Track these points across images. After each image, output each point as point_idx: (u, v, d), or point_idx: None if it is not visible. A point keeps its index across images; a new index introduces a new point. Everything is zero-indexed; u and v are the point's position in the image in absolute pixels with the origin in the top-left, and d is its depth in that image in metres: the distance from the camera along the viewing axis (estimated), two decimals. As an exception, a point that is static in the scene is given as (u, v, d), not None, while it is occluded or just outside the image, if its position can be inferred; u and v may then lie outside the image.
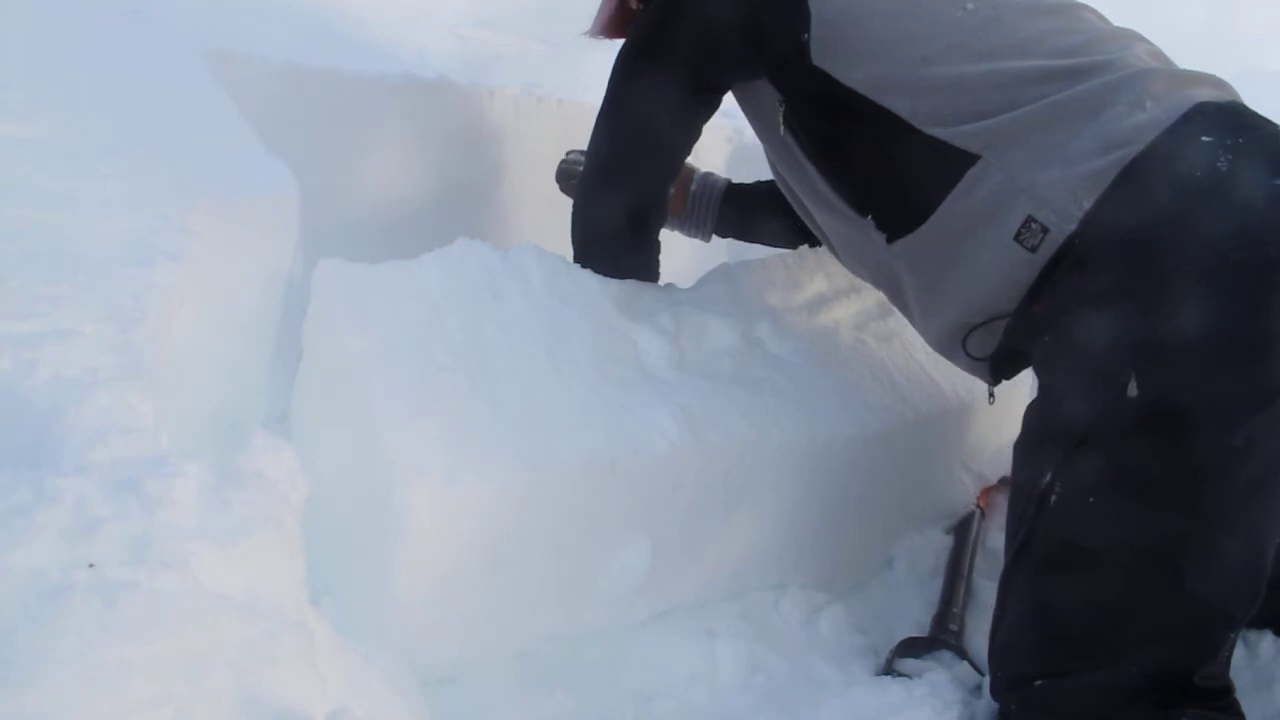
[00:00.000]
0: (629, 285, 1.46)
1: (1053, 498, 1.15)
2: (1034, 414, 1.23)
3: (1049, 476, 1.15)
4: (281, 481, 0.94)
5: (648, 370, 1.37)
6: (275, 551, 0.89)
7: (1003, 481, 1.80)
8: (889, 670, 1.38)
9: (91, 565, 0.77)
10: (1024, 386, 1.72)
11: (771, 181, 1.63)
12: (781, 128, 1.40)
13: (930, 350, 1.65)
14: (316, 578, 1.04)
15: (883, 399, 1.53)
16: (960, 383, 1.64)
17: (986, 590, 1.56)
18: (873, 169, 1.35)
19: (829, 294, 1.63)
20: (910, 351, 1.63)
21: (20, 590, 0.74)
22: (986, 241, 1.21)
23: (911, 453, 1.57)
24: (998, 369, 1.36)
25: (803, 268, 1.64)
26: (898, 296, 1.42)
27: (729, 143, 2.41)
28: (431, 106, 2.05)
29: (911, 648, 1.41)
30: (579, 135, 2.26)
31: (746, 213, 1.78)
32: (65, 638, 0.72)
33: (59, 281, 1.10)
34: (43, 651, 0.71)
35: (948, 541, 1.62)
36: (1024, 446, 1.23)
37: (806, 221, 1.52)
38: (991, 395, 1.48)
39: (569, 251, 1.50)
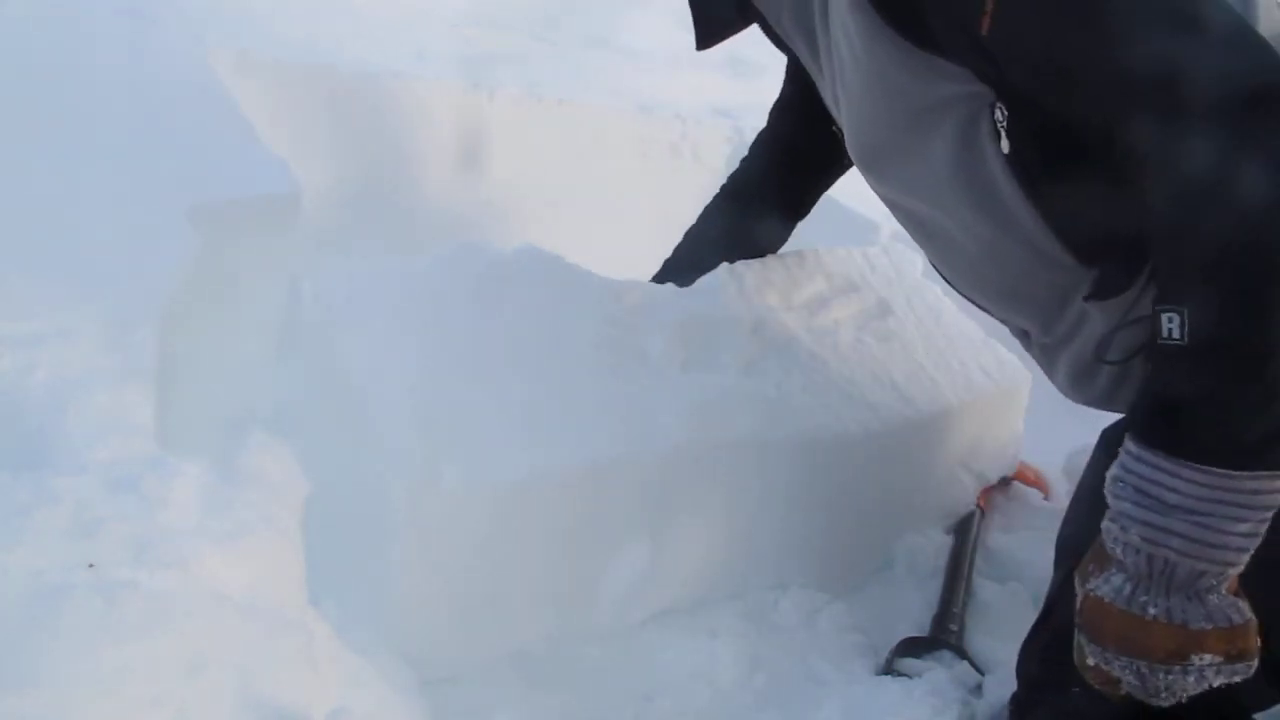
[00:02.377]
0: (629, 285, 1.46)
1: None
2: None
3: None
4: (281, 481, 0.94)
5: (648, 370, 1.36)
6: (275, 551, 0.89)
7: (1003, 481, 1.80)
8: (889, 670, 1.38)
9: (91, 565, 0.77)
10: (1027, 385, 1.72)
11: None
12: (1003, 141, 1.05)
13: (930, 350, 1.65)
14: (316, 578, 1.04)
15: (883, 399, 1.52)
16: (960, 383, 1.64)
17: (986, 590, 1.56)
18: (1119, 211, 1.03)
19: (829, 294, 1.63)
20: (910, 351, 1.63)
21: (20, 590, 0.74)
22: None
23: (911, 453, 1.57)
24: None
25: (803, 268, 1.64)
26: (1052, 336, 1.25)
27: (729, 143, 2.42)
28: (431, 106, 2.05)
29: (911, 647, 1.41)
30: (579, 135, 2.26)
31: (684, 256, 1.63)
32: (65, 638, 0.72)
33: (59, 281, 1.10)
34: (43, 651, 0.71)
35: (948, 541, 1.62)
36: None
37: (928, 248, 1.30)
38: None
39: (569, 252, 1.49)
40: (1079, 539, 1.14)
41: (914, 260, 1.79)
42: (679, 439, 1.30)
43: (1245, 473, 0.83)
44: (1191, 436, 0.86)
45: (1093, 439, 1.63)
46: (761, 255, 1.61)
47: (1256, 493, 0.84)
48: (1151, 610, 0.87)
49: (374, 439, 1.18)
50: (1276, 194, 0.83)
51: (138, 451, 0.93)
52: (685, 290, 1.52)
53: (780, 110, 1.63)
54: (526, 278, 1.37)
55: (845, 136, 1.26)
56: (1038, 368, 1.37)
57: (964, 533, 1.63)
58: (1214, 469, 0.84)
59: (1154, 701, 0.90)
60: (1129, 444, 0.89)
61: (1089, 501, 1.19)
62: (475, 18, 2.61)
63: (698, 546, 1.37)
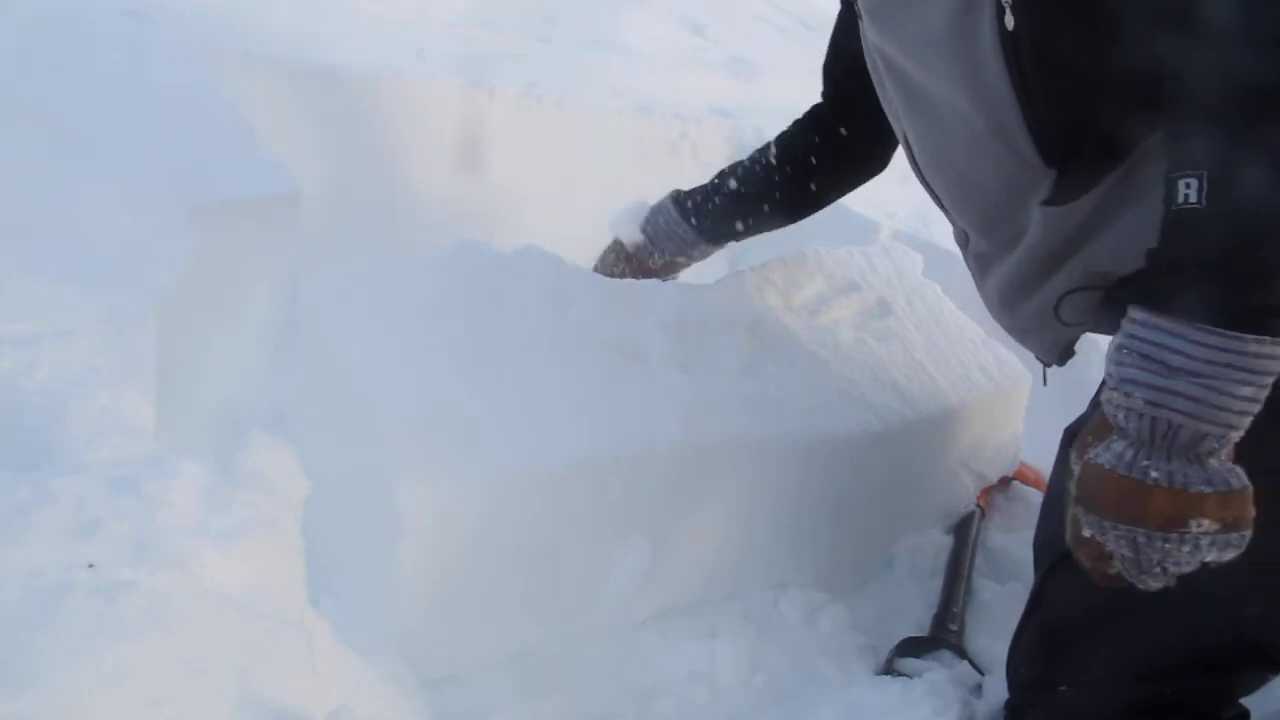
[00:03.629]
0: (630, 285, 1.46)
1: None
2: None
3: None
4: (281, 481, 0.94)
5: (648, 370, 1.37)
6: (275, 551, 0.89)
7: (1003, 481, 1.80)
8: (889, 670, 1.38)
9: (91, 565, 0.77)
10: (1027, 385, 1.72)
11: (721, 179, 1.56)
12: (1007, 17, 1.03)
13: (930, 350, 1.65)
14: (316, 578, 1.04)
15: (883, 399, 1.52)
16: (960, 383, 1.64)
17: (986, 590, 1.56)
18: (1097, 117, 1.05)
19: (829, 294, 1.63)
20: (910, 351, 1.63)
21: (20, 590, 0.74)
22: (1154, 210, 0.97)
23: (911, 453, 1.57)
24: (1068, 349, 1.27)
25: (803, 268, 1.64)
26: (990, 241, 1.25)
27: (729, 143, 2.42)
28: (431, 106, 2.05)
29: (911, 647, 1.41)
30: (579, 135, 2.26)
31: (723, 201, 1.59)
32: (65, 638, 0.72)
33: (59, 281, 1.10)
34: (43, 651, 0.71)
35: (948, 541, 1.62)
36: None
37: (905, 133, 1.29)
38: (1045, 377, 1.38)
39: (569, 252, 1.49)
40: (1056, 537, 1.14)
41: (914, 260, 1.79)
42: (679, 439, 1.30)
43: (1251, 335, 0.84)
44: (1200, 298, 0.86)
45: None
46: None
47: (1259, 356, 0.84)
48: (1153, 474, 0.87)
49: (374, 439, 1.18)
50: None
51: (138, 451, 0.93)
52: (685, 290, 1.52)
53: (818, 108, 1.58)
54: (526, 278, 1.37)
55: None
56: (1037, 370, 1.37)
57: (964, 533, 1.63)
58: (1221, 330, 0.84)
59: (1144, 582, 0.90)
60: (1133, 312, 0.89)
61: (1060, 499, 1.19)
62: (475, 18, 2.61)
63: (698, 546, 1.37)
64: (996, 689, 1.28)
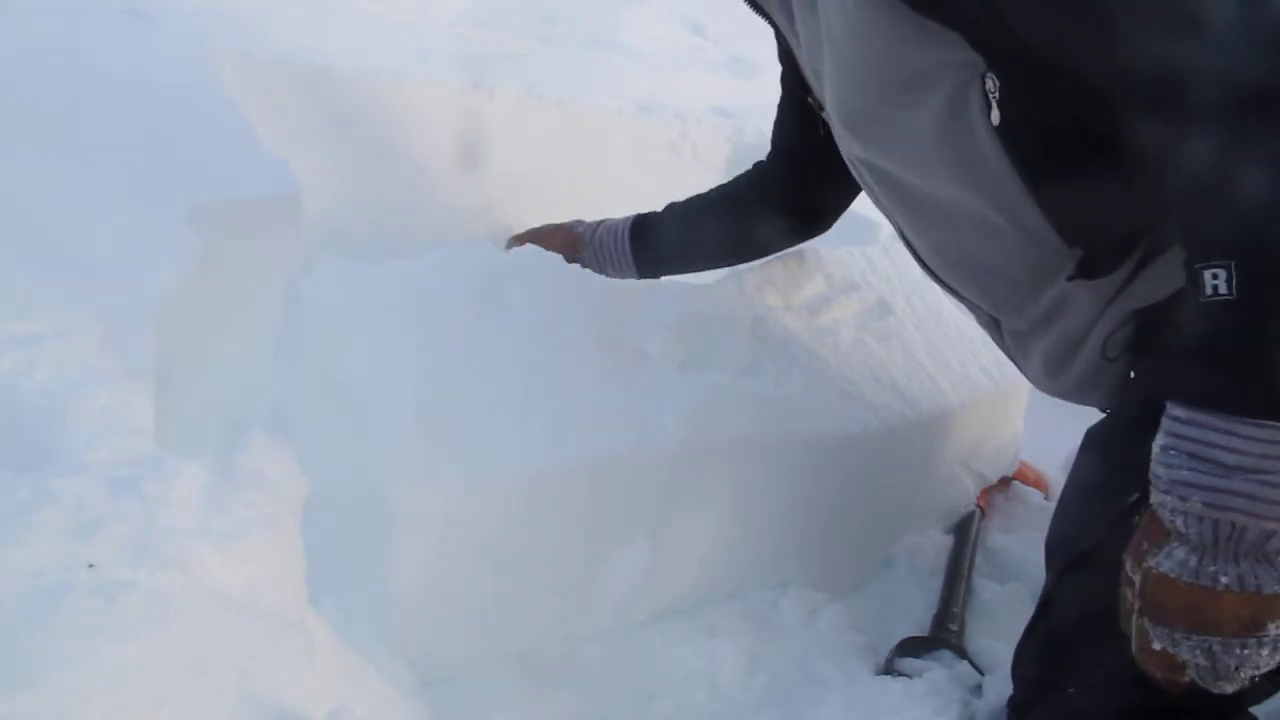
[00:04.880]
0: (631, 285, 1.46)
1: (1136, 518, 1.02)
2: (1131, 427, 1.06)
3: (1136, 498, 1.02)
4: (281, 481, 0.94)
5: (648, 370, 1.36)
6: (275, 551, 0.89)
7: (1003, 481, 1.80)
8: (889, 669, 1.38)
9: (91, 565, 0.77)
10: (1026, 385, 1.71)
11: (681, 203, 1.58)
12: (994, 113, 1.02)
13: (930, 350, 1.65)
14: (316, 578, 1.04)
15: (883, 399, 1.52)
16: (960, 383, 1.64)
17: (986, 590, 1.56)
18: (1110, 190, 1.04)
19: (829, 294, 1.63)
20: (910, 351, 1.63)
21: (20, 590, 0.74)
22: None
23: (911, 453, 1.57)
24: (1123, 382, 1.23)
25: (803, 268, 1.64)
26: (1024, 320, 1.23)
27: (729, 143, 2.41)
28: (431, 106, 2.05)
29: (911, 647, 1.41)
30: (579, 135, 2.26)
31: (671, 236, 1.62)
32: (65, 638, 0.72)
33: (59, 281, 1.10)
34: (43, 651, 0.71)
35: (948, 541, 1.62)
36: (1106, 453, 1.13)
37: (905, 234, 1.29)
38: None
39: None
40: (1072, 538, 1.13)
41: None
42: (679, 438, 1.30)
43: None
44: (1246, 391, 0.82)
45: (1092, 439, 1.62)
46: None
47: None
48: (1223, 579, 0.83)
49: (374, 439, 1.18)
50: None
51: (138, 451, 0.93)
52: (685, 290, 1.52)
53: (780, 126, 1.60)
54: (526, 278, 1.37)
55: (827, 99, 1.22)
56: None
57: (964, 533, 1.63)
58: (1272, 423, 0.81)
59: (1221, 687, 0.87)
60: (1175, 410, 0.86)
61: (1077, 500, 1.19)
62: (475, 18, 2.61)
63: (698, 546, 1.37)
64: (996, 689, 1.28)
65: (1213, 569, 0.84)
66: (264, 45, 1.90)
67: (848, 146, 1.24)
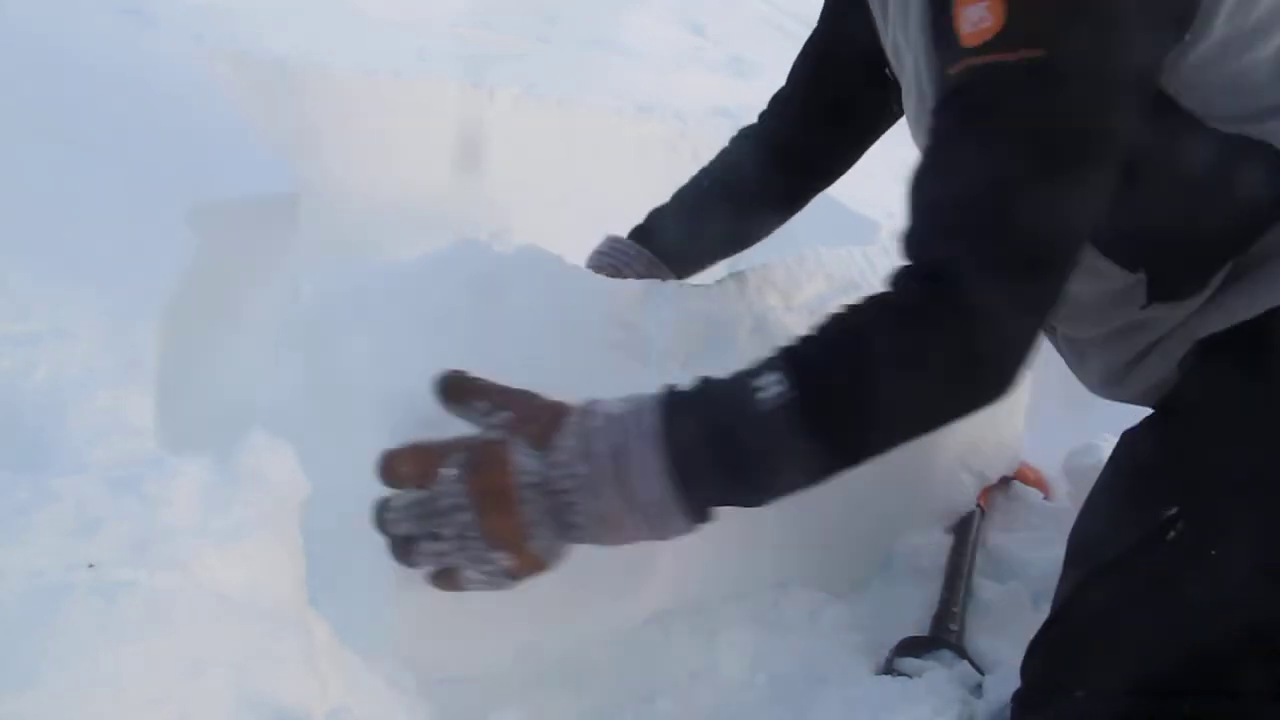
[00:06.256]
0: (632, 285, 1.46)
1: (1171, 533, 1.02)
2: (1176, 440, 1.08)
3: (1174, 513, 1.02)
4: (281, 481, 0.93)
5: (648, 370, 1.36)
6: (275, 551, 0.89)
7: (1003, 481, 1.80)
8: (889, 669, 1.38)
9: (91, 565, 0.77)
10: (1026, 384, 1.71)
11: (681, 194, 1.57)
12: None
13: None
14: (316, 578, 1.04)
15: (883, 399, 1.52)
16: (960, 382, 1.63)
17: (986, 590, 1.56)
18: (1169, 212, 1.05)
19: (829, 294, 1.63)
20: (910, 351, 1.63)
21: (20, 590, 0.74)
22: None
23: (911, 452, 1.56)
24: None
25: (803, 268, 1.64)
26: (1084, 332, 1.24)
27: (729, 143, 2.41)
28: (431, 106, 2.06)
29: (911, 647, 1.41)
30: (579, 135, 2.27)
31: (682, 227, 1.60)
32: (65, 638, 0.72)
33: (59, 281, 1.10)
34: (43, 651, 0.71)
35: (948, 541, 1.62)
36: (1144, 460, 1.11)
37: None
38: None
39: (569, 252, 1.49)
40: (1099, 542, 1.12)
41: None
42: (679, 439, 1.30)
43: None
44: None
45: (1093, 438, 1.63)
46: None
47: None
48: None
49: (374, 439, 1.18)
50: None
51: (138, 451, 0.93)
52: (685, 290, 1.52)
53: (782, 104, 1.61)
54: (526, 278, 1.37)
55: (904, 89, 1.25)
56: (1036, 368, 1.37)
57: (964, 533, 1.63)
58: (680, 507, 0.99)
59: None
60: (655, 416, 0.98)
61: (1110, 504, 1.18)
62: (475, 18, 2.62)
63: (698, 546, 1.36)
64: (996, 689, 1.28)
65: (533, 490, 0.95)
66: (264, 45, 1.90)
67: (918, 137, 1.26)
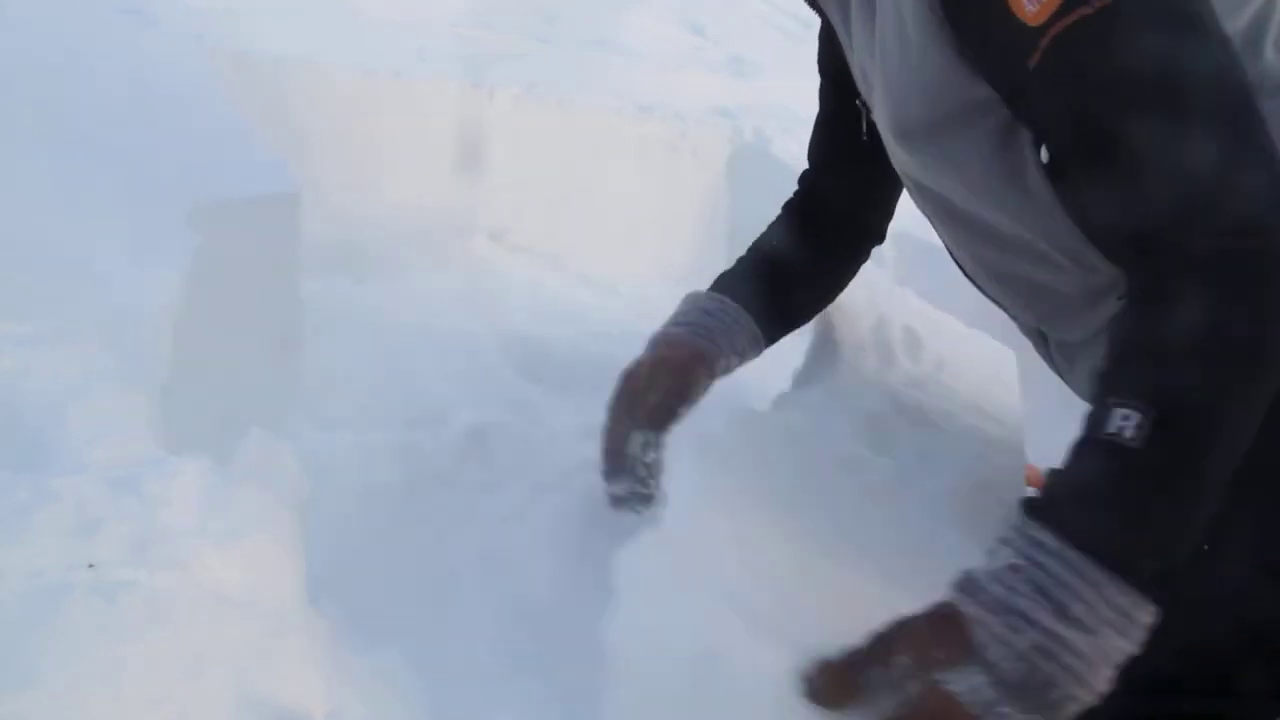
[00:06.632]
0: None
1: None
2: None
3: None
4: (281, 481, 0.94)
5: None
6: (275, 551, 0.89)
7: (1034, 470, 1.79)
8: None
9: (91, 565, 0.77)
10: (1011, 361, 1.71)
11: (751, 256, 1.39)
12: (1044, 150, 1.01)
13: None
14: (316, 578, 1.04)
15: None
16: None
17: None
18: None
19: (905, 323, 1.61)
20: (910, 351, 1.63)
21: (20, 590, 0.74)
22: None
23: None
24: None
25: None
26: (1072, 334, 1.22)
27: (729, 143, 2.42)
28: (431, 106, 2.06)
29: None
30: (579, 135, 2.27)
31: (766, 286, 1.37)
32: (65, 638, 0.72)
33: (59, 282, 1.10)
34: (43, 651, 0.71)
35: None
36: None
37: (950, 248, 1.26)
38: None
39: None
40: None
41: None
42: (679, 439, 1.30)
43: (1152, 606, 0.78)
44: (1126, 547, 0.79)
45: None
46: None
47: (1147, 629, 0.79)
48: None
49: (374, 439, 1.18)
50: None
51: (138, 451, 0.93)
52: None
53: (809, 181, 1.46)
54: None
55: (876, 110, 1.19)
56: (1029, 355, 1.36)
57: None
58: (1134, 592, 0.78)
59: None
60: (1041, 535, 0.80)
61: None
62: (475, 18, 2.61)
63: (698, 546, 1.37)
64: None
65: (1004, 710, 0.76)
66: (264, 45, 1.90)
67: (895, 156, 1.23)
